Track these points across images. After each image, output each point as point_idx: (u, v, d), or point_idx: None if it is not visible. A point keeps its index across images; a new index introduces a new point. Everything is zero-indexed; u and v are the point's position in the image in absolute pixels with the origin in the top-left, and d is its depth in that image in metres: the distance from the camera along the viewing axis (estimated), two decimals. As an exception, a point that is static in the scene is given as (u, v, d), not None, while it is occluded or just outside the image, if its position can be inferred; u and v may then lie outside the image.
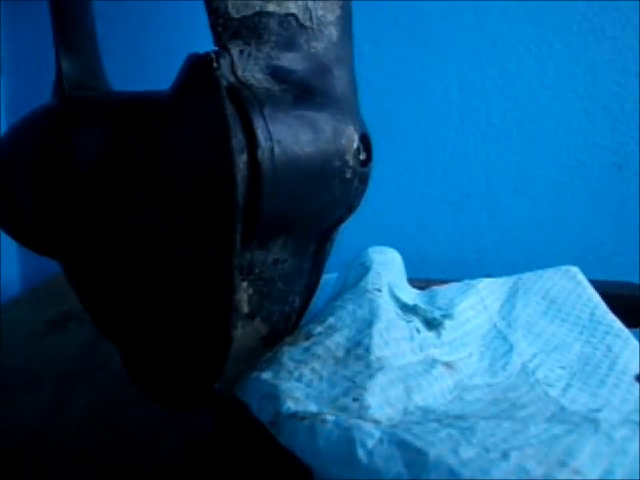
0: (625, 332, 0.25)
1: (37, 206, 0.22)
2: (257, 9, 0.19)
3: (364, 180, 0.22)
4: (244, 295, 0.19)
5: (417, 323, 0.25)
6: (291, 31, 0.20)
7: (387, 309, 0.25)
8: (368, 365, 0.21)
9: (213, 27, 0.18)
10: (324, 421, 0.18)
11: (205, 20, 0.18)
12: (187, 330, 0.21)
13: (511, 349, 0.25)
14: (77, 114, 0.22)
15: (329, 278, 0.28)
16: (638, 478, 0.16)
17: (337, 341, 0.22)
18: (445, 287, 0.29)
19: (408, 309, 0.25)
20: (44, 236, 0.23)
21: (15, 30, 0.63)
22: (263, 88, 0.19)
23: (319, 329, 0.23)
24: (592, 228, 0.48)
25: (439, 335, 0.24)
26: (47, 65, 0.25)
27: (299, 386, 0.20)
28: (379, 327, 0.23)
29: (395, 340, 0.23)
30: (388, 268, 0.28)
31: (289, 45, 0.20)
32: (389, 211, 0.51)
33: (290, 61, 0.20)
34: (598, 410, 0.21)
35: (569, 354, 0.24)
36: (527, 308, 0.27)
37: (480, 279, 0.29)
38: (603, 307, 0.27)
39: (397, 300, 0.26)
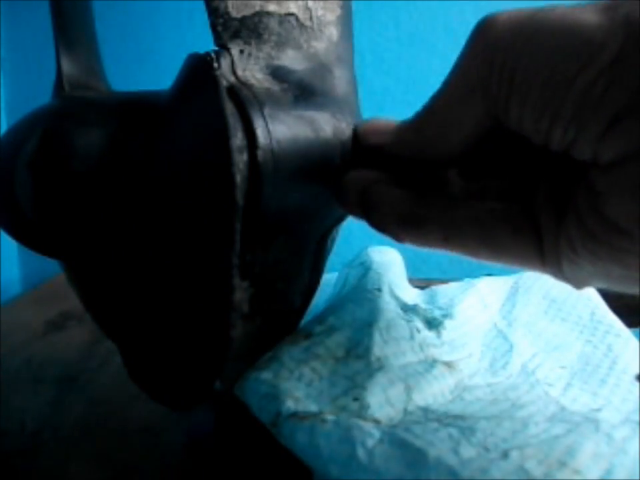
0: (626, 332, 0.25)
1: (38, 206, 0.22)
2: (257, 8, 0.19)
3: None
4: (244, 294, 0.19)
5: (417, 322, 0.25)
6: (291, 30, 0.20)
7: (387, 309, 0.25)
8: (368, 365, 0.21)
9: (213, 26, 0.18)
10: (324, 421, 0.18)
11: (205, 20, 0.18)
12: (187, 329, 0.21)
13: (511, 348, 0.25)
14: (77, 114, 0.22)
15: (328, 278, 0.28)
16: (638, 478, 0.16)
17: (337, 340, 0.22)
18: (445, 286, 0.29)
19: (408, 309, 0.25)
20: (45, 236, 0.23)
21: (15, 30, 0.64)
22: (263, 88, 0.18)
23: (319, 328, 0.23)
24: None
25: (439, 335, 0.24)
26: (47, 65, 0.25)
27: (299, 385, 0.20)
28: (379, 326, 0.23)
29: (395, 339, 0.23)
30: (388, 268, 0.28)
31: (289, 44, 0.20)
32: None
33: (290, 60, 0.20)
34: (598, 410, 0.21)
35: (570, 353, 0.24)
36: (528, 307, 0.27)
37: (480, 278, 0.29)
38: (603, 306, 0.27)
39: (397, 299, 0.26)
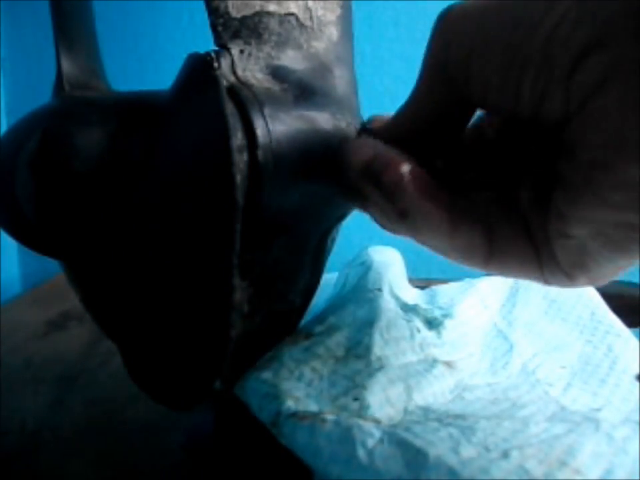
0: (626, 332, 0.25)
1: (38, 206, 0.22)
2: (257, 8, 0.19)
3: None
4: (244, 294, 0.19)
5: (418, 322, 0.25)
6: (291, 30, 0.20)
7: (388, 309, 0.25)
8: (368, 364, 0.21)
9: (213, 26, 0.18)
10: (324, 421, 0.18)
11: (205, 20, 0.18)
12: (187, 329, 0.21)
13: (511, 348, 0.25)
14: (77, 114, 0.22)
15: (329, 277, 0.28)
16: (638, 478, 0.16)
17: (337, 340, 0.23)
18: (445, 286, 0.29)
19: (408, 309, 0.25)
20: (45, 236, 0.23)
21: (15, 30, 0.63)
22: (263, 87, 0.18)
23: (319, 328, 0.23)
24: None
25: (439, 335, 0.24)
26: (47, 65, 0.25)
27: (299, 385, 0.20)
28: (379, 326, 0.23)
29: (395, 339, 0.23)
30: (388, 267, 0.28)
31: (289, 44, 0.20)
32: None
33: (290, 60, 0.20)
34: (598, 409, 0.21)
35: (570, 353, 0.24)
36: (528, 307, 0.27)
37: (480, 278, 0.29)
38: (603, 306, 0.27)
39: (397, 299, 0.26)
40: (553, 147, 0.15)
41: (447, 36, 0.16)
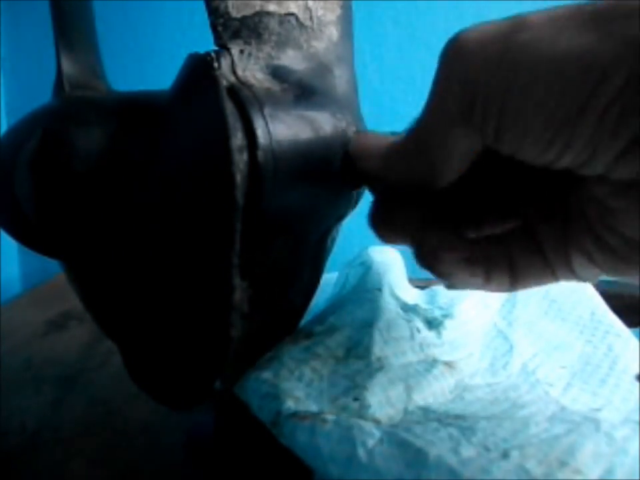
0: (626, 331, 0.25)
1: (38, 206, 0.22)
2: (257, 8, 0.19)
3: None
4: (244, 294, 0.19)
5: (418, 322, 0.25)
6: (291, 30, 0.20)
7: (388, 309, 0.25)
8: (368, 365, 0.21)
9: (213, 26, 0.18)
10: (324, 421, 0.18)
11: (205, 20, 0.18)
12: (187, 329, 0.21)
13: (511, 348, 0.25)
14: (77, 114, 0.22)
15: (329, 277, 0.28)
16: (638, 478, 0.16)
17: (338, 340, 0.23)
18: (445, 286, 0.29)
19: (408, 309, 0.25)
20: (45, 236, 0.23)
21: (15, 30, 0.64)
22: (263, 88, 0.18)
23: (319, 328, 0.23)
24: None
25: (439, 335, 0.24)
26: (47, 65, 0.25)
27: (300, 385, 0.20)
28: (379, 326, 0.23)
29: (395, 339, 0.23)
30: (388, 267, 0.28)
31: (289, 44, 0.20)
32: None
33: (290, 60, 0.20)
34: (599, 409, 0.21)
35: (570, 353, 0.24)
36: (528, 307, 0.27)
37: (480, 279, 0.29)
38: (603, 306, 0.27)
39: (397, 299, 0.26)
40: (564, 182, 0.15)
41: (468, 85, 0.14)
